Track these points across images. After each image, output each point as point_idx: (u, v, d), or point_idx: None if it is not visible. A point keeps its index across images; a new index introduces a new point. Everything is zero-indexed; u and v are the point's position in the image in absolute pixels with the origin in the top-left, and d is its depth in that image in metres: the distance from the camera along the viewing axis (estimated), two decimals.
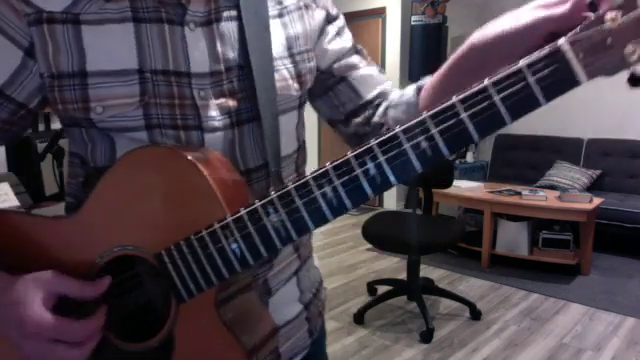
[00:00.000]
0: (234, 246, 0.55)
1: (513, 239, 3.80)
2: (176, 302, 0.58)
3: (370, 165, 0.51)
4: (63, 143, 2.22)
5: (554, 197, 3.72)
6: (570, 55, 0.45)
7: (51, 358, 0.55)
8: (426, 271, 3.72)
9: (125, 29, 0.60)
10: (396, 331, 2.91)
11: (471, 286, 3.55)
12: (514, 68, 0.46)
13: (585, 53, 0.45)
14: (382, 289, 3.32)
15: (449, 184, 3.27)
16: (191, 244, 0.56)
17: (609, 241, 4.06)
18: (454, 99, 0.48)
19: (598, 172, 4.46)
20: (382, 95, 0.79)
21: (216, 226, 0.55)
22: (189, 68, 0.62)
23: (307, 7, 0.73)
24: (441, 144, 0.49)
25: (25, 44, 0.60)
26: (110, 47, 0.60)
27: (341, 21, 0.79)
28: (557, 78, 0.46)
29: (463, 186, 4.03)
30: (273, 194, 0.53)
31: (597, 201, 3.65)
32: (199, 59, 0.63)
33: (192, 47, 0.63)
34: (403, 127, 0.50)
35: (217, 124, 0.64)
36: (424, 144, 0.49)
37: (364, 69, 0.78)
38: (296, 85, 0.70)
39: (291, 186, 0.53)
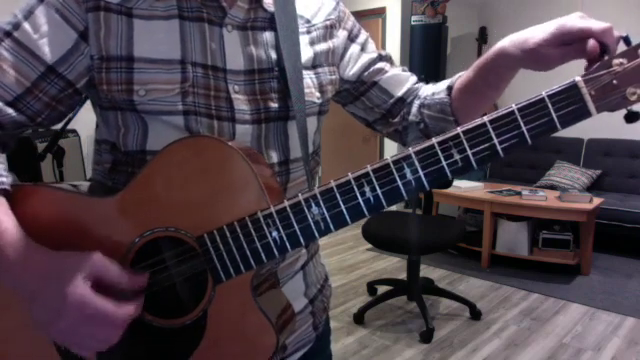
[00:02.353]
0: (275, 234, 0.60)
1: (513, 239, 3.81)
2: (213, 283, 0.62)
3: (407, 170, 0.57)
4: (63, 143, 2.22)
5: (554, 197, 3.73)
6: (584, 91, 0.54)
7: (85, 335, 0.58)
8: (426, 271, 3.73)
9: (171, 25, 0.67)
10: (396, 331, 2.91)
11: (471, 286, 3.55)
12: (537, 98, 0.55)
13: (596, 90, 0.54)
14: (382, 289, 3.32)
15: (449, 184, 3.27)
16: (234, 230, 0.61)
17: (609, 241, 4.06)
18: (485, 119, 0.56)
19: (598, 172, 4.46)
20: (411, 92, 0.86)
21: (260, 214, 0.60)
22: (225, 64, 0.69)
23: (332, 27, 0.81)
24: (471, 157, 0.56)
25: (80, 27, 0.65)
26: (157, 39, 0.66)
27: (363, 37, 0.86)
28: (572, 109, 0.55)
29: (463, 186, 4.03)
30: (316, 189, 0.59)
31: (597, 201, 3.65)
32: (234, 58, 0.70)
33: (228, 46, 0.69)
34: (439, 139, 0.57)
35: (247, 117, 0.70)
36: (457, 156, 0.56)
37: (391, 71, 0.86)
38: (318, 94, 0.77)
39: (333, 183, 0.59)
